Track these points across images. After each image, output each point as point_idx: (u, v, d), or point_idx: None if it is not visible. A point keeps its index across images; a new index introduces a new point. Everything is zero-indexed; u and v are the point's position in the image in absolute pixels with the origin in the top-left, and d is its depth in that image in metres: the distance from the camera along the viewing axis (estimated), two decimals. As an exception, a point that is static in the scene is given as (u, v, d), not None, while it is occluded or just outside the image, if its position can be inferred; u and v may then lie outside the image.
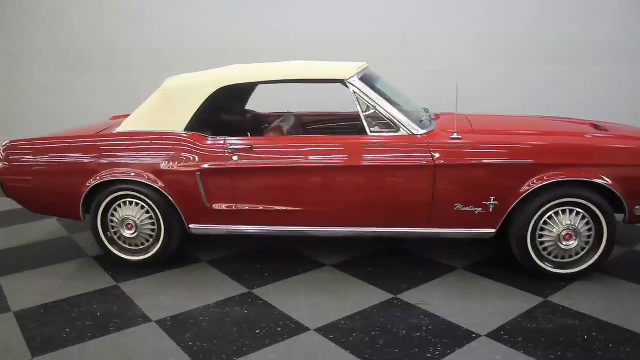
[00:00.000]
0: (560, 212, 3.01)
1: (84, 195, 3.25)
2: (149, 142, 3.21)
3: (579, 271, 3.07)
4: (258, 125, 4.13)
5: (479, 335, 2.53)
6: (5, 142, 3.39)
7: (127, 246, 3.36)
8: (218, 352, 2.44)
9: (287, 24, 5.55)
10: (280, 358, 2.39)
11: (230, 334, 2.60)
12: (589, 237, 3.04)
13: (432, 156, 2.98)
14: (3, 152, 3.36)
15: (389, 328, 2.62)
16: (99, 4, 5.98)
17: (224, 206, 3.19)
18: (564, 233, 3.02)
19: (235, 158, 3.11)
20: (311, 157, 3.08)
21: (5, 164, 3.35)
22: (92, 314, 2.82)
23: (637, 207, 2.98)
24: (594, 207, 2.97)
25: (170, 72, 3.60)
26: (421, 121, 3.19)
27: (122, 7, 5.92)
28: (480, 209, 3.03)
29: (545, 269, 3.08)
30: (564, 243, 3.04)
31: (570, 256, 3.08)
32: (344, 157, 3.06)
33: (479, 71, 5.40)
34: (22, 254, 3.73)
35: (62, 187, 3.28)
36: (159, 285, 3.18)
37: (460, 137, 3.03)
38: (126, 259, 3.37)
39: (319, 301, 2.92)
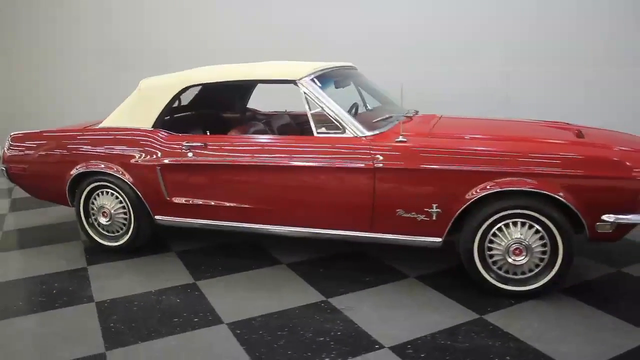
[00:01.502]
0: (511, 224, 2.79)
1: (68, 184, 3.60)
2: (120, 137, 3.47)
3: (531, 290, 2.82)
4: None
5: (382, 347, 2.44)
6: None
7: (105, 232, 3.66)
8: (129, 334, 2.60)
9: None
10: (180, 346, 2.50)
11: (151, 319, 2.75)
12: (544, 253, 2.78)
13: (373, 159, 2.90)
14: (9, 142, 3.83)
15: (297, 330, 2.61)
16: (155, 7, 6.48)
17: (182, 200, 3.36)
18: (513, 247, 2.79)
19: (190, 154, 3.26)
20: (256, 156, 3.14)
21: (7, 154, 3.81)
22: (49, 291, 3.12)
23: (598, 224, 2.67)
24: (547, 221, 2.72)
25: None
26: (385, 121, 3.12)
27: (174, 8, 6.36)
28: (422, 216, 2.90)
29: (493, 284, 2.87)
30: (513, 258, 2.81)
31: (523, 273, 2.84)
32: (286, 157, 3.08)
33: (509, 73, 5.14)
34: (25, 235, 4.18)
35: (51, 176, 3.66)
36: (121, 270, 3.42)
37: (405, 140, 2.92)
38: (104, 244, 3.67)
39: (250, 297, 2.97)
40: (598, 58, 4.74)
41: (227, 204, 3.25)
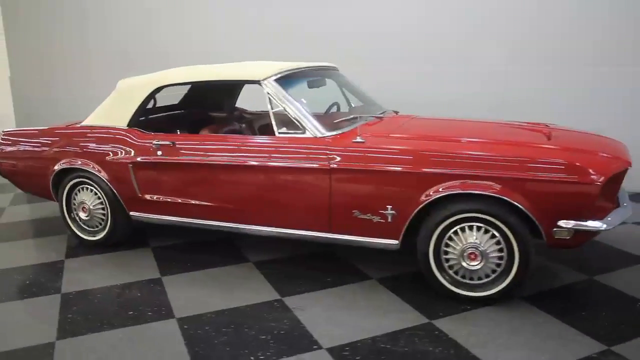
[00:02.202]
0: (467, 228, 2.73)
1: (51, 180, 3.74)
2: (97, 135, 3.58)
3: (487, 295, 2.75)
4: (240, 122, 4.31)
5: (320, 348, 2.43)
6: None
7: (85, 227, 3.79)
8: (82, 325, 2.68)
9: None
10: (126, 338, 2.56)
11: (107, 312, 2.84)
12: (501, 258, 2.71)
13: (328, 159, 2.89)
14: (0, 139, 4.01)
15: (242, 327, 2.63)
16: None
17: (153, 197, 3.44)
18: (468, 252, 2.73)
19: (159, 153, 3.33)
20: (218, 155, 3.18)
21: (0, 150, 3.99)
22: (22, 282, 3.25)
23: (555, 229, 2.58)
24: (502, 226, 2.65)
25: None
26: (350, 122, 3.12)
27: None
28: (378, 218, 2.87)
29: (449, 289, 2.81)
30: (468, 263, 2.75)
31: (480, 278, 2.77)
32: (245, 157, 3.11)
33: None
34: (18, 228, 4.35)
35: (37, 172, 3.81)
36: (95, 264, 3.53)
37: (363, 141, 2.90)
38: (84, 239, 3.79)
39: (208, 293, 3.01)
40: (597, 58, 4.59)
41: (193, 202, 3.31)
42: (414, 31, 5.37)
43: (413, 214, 2.77)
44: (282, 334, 2.56)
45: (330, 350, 2.41)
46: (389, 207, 2.83)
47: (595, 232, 2.61)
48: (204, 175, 3.25)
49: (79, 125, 3.73)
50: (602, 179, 2.48)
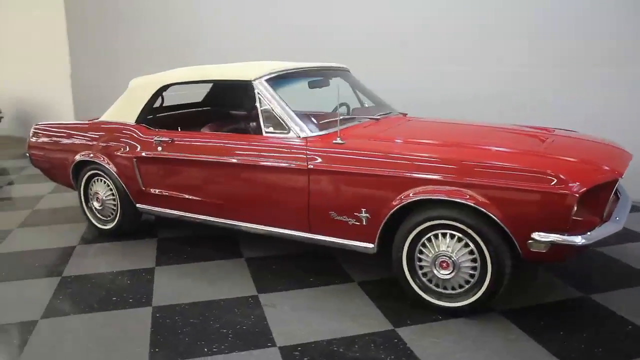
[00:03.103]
0: (440, 235, 2.64)
1: (71, 170, 4.02)
2: (108, 130, 3.80)
3: (459, 306, 2.65)
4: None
5: (273, 346, 2.46)
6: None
7: (99, 216, 4.04)
8: (67, 307, 2.89)
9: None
10: (101, 322, 2.73)
11: (94, 296, 3.02)
12: (474, 269, 2.59)
13: (307, 160, 2.90)
14: (32, 132, 4.35)
15: (209, 320, 2.71)
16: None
17: (155, 191, 3.61)
18: (440, 260, 2.64)
19: (159, 149, 3.49)
20: (209, 153, 3.28)
21: (31, 142, 4.33)
22: (31, 264, 3.51)
23: (530, 242, 2.43)
24: (474, 235, 2.53)
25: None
26: (342, 123, 3.10)
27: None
28: (353, 220, 2.84)
29: (422, 297, 2.73)
30: (440, 271, 2.65)
31: (453, 288, 2.67)
32: (234, 155, 3.18)
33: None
34: (49, 214, 4.68)
35: (60, 163, 4.11)
36: (102, 251, 3.76)
37: (342, 142, 2.88)
38: (98, 227, 4.05)
39: (191, 285, 3.12)
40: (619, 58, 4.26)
41: (187, 197, 3.44)
42: (434, 31, 5.23)
43: (386, 218, 2.72)
44: (243, 329, 2.61)
45: (282, 349, 2.42)
46: (364, 210, 2.79)
47: (578, 247, 2.43)
48: (196, 171, 3.37)
49: (97, 121, 3.98)
50: (579, 189, 2.31)
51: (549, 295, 2.92)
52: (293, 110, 3.11)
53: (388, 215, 2.71)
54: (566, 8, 4.59)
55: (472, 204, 2.47)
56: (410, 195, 2.62)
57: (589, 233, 2.39)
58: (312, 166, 2.88)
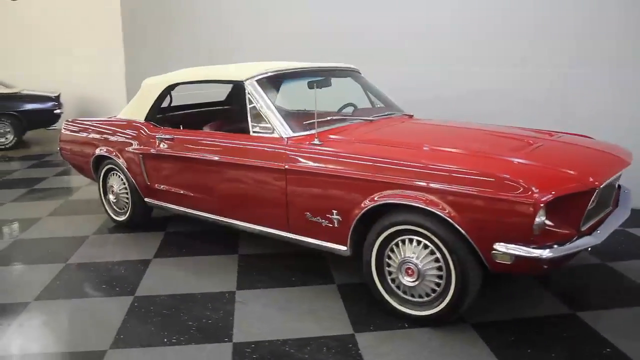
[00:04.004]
0: (407, 241, 2.57)
1: (91, 164, 4.29)
2: (120, 127, 4.02)
3: (426, 315, 2.56)
4: None
5: (229, 341, 2.51)
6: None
7: (115, 208, 4.28)
8: (62, 291, 3.09)
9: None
10: (83, 307, 2.91)
11: (87, 283, 3.23)
12: (440, 277, 2.50)
13: (285, 160, 2.92)
14: (63, 127, 4.68)
15: (180, 312, 2.81)
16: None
17: (159, 186, 3.77)
18: (405, 266, 2.57)
19: (161, 146, 3.65)
20: (201, 151, 3.38)
21: (61, 137, 4.66)
22: (45, 251, 3.78)
23: (494, 252, 2.31)
24: (439, 242, 2.44)
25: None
26: (330, 124, 3.14)
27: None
28: (326, 222, 2.83)
29: (389, 303, 2.67)
30: (405, 278, 2.58)
31: (420, 296, 2.59)
32: (222, 153, 3.26)
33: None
34: (79, 205, 4.98)
35: (83, 157, 4.39)
36: (110, 241, 3.98)
37: (320, 143, 2.88)
38: (115, 219, 4.29)
39: (177, 278, 3.24)
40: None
41: (184, 192, 3.57)
42: (448, 31, 5.07)
43: (355, 221, 2.69)
44: (208, 324, 2.68)
45: (236, 345, 2.47)
46: (335, 212, 2.77)
47: (545, 261, 2.26)
48: (191, 168, 3.49)
49: (114, 118, 4.22)
50: (543, 199, 2.16)
51: (532, 309, 2.75)
52: (281, 111, 3.14)
53: (356, 218, 2.67)
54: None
55: (432, 210, 2.38)
56: (375, 199, 2.57)
57: (556, 246, 2.24)
58: (287, 166, 2.90)
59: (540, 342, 2.44)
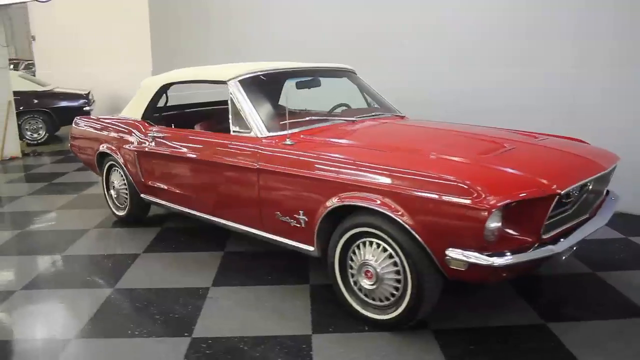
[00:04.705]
0: (367, 243, 2.55)
1: (96, 160, 4.46)
2: (119, 125, 4.15)
3: (385, 320, 2.54)
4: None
5: (188, 336, 2.56)
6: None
7: (116, 203, 4.43)
8: (50, 281, 3.25)
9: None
10: (63, 297, 3.04)
11: (74, 275, 3.36)
12: (399, 281, 2.46)
13: (257, 159, 2.95)
14: (74, 123, 4.88)
15: (152, 306, 2.89)
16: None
17: (152, 183, 3.88)
18: (364, 269, 2.55)
19: (152, 144, 3.75)
20: (186, 149, 3.46)
21: (72, 133, 4.86)
22: (45, 242, 3.97)
23: (447, 258, 2.25)
24: (395, 245, 2.41)
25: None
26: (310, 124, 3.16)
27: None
28: (294, 222, 2.84)
29: (351, 305, 2.66)
30: (364, 280, 2.56)
31: (380, 299, 2.56)
32: (202, 152, 3.33)
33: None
34: (91, 200, 5.16)
35: (89, 152, 4.57)
36: (107, 235, 4.13)
37: (292, 143, 2.89)
38: (116, 214, 4.44)
39: (160, 273, 3.34)
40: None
41: (172, 189, 3.66)
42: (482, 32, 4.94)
43: (319, 222, 2.68)
44: (174, 318, 2.75)
45: (193, 340, 2.52)
46: (301, 212, 2.78)
47: (498, 269, 2.19)
48: (176, 166, 3.58)
49: (115, 116, 4.37)
50: (496, 204, 2.09)
51: (501, 318, 2.67)
52: (260, 111, 3.17)
53: (320, 219, 2.67)
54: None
55: (385, 212, 2.35)
56: (335, 200, 2.56)
57: (509, 254, 2.17)
58: (259, 166, 2.92)
59: (499, 353, 2.37)
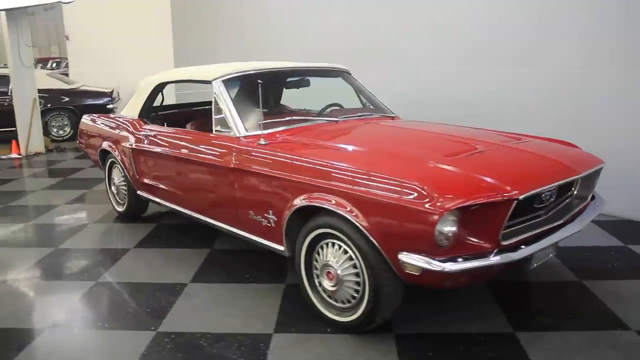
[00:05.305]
0: (330, 244, 2.53)
1: (99, 156, 4.60)
2: (118, 122, 4.27)
3: (345, 322, 2.52)
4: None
5: (154, 330, 2.61)
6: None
7: (117, 199, 4.56)
8: (42, 275, 3.36)
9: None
10: (47, 288, 3.15)
11: (66, 267, 3.48)
12: (359, 284, 2.44)
13: (232, 159, 2.98)
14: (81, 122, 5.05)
15: (129, 299, 2.99)
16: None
17: (145, 179, 3.98)
18: (326, 270, 2.54)
19: (145, 142, 3.84)
20: (170, 147, 3.53)
21: (80, 131, 5.03)
22: (46, 235, 4.14)
23: (401, 262, 2.21)
24: (353, 247, 2.38)
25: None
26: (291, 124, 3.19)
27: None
28: (265, 221, 2.86)
29: (316, 307, 2.65)
30: (325, 281, 2.55)
31: (343, 302, 2.54)
32: (186, 150, 3.38)
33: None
34: (99, 195, 5.22)
35: (93, 150, 4.72)
36: (105, 230, 4.25)
37: (265, 143, 2.90)
38: (117, 209, 4.57)
39: (143, 268, 3.43)
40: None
41: (161, 186, 3.75)
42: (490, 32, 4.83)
43: (285, 222, 2.69)
44: (145, 311, 2.81)
45: (157, 334, 2.57)
46: (270, 211, 2.79)
47: (449, 275, 2.13)
48: (164, 163, 3.66)
49: (116, 115, 4.50)
50: (445, 207, 2.04)
51: (469, 325, 2.60)
52: (241, 110, 3.20)
53: (286, 219, 2.67)
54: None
55: (341, 212, 2.33)
56: (299, 200, 2.55)
57: (461, 260, 2.11)
58: (233, 165, 2.95)
59: (456, 360, 2.32)
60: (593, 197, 2.91)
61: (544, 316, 2.70)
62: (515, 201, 2.15)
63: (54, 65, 19.64)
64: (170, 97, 5.26)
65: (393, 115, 3.78)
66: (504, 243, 2.22)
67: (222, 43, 8.27)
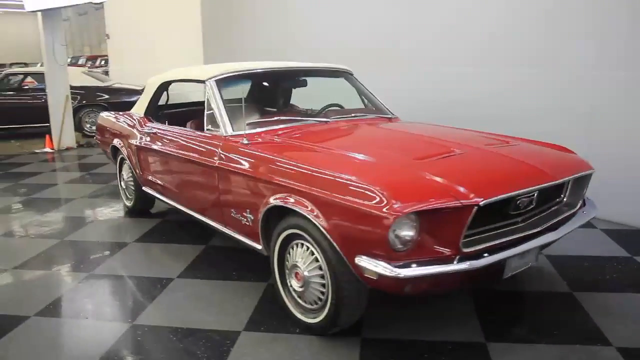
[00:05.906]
0: (299, 245, 2.53)
1: (111, 153, 4.77)
2: (125, 120, 4.41)
3: (311, 323, 2.51)
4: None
5: (130, 323, 2.69)
6: (101, 113, 5.27)
7: (127, 194, 4.70)
8: (39, 264, 3.51)
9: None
10: (41, 278, 3.28)
11: (66, 259, 3.63)
12: (324, 286, 2.43)
13: (217, 157, 3.02)
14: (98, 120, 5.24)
15: (111, 291, 3.09)
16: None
17: (146, 175, 4.09)
18: (294, 270, 2.54)
19: (147, 139, 3.95)
20: (166, 145, 3.61)
21: (97, 128, 5.22)
22: (56, 227, 4.32)
23: (362, 267, 2.17)
24: (318, 248, 2.37)
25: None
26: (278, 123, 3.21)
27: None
28: (244, 220, 2.89)
29: (288, 307, 2.65)
30: (292, 282, 2.55)
31: (310, 303, 2.54)
32: (180, 148, 3.46)
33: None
34: (114, 189, 5.42)
35: (107, 145, 4.89)
36: (109, 225, 4.41)
37: (247, 142, 2.93)
38: (126, 204, 4.72)
39: (137, 262, 3.54)
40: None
41: (159, 182, 3.85)
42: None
43: (260, 221, 2.71)
44: (126, 305, 2.90)
45: (133, 327, 2.65)
46: (248, 210, 2.82)
47: (406, 280, 2.09)
48: (162, 160, 3.76)
49: (126, 112, 4.65)
50: (400, 211, 2.00)
51: (440, 333, 2.54)
52: (231, 110, 3.24)
53: (260, 218, 2.69)
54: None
55: (302, 212, 2.33)
56: (270, 200, 2.57)
57: (415, 266, 2.06)
58: (217, 164, 3.00)
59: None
60: (584, 204, 2.78)
61: (521, 327, 2.60)
62: (476, 207, 2.08)
63: (102, 62, 20.38)
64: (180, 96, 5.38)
65: (391, 116, 3.73)
66: (466, 250, 2.15)
67: (246, 43, 8.38)
